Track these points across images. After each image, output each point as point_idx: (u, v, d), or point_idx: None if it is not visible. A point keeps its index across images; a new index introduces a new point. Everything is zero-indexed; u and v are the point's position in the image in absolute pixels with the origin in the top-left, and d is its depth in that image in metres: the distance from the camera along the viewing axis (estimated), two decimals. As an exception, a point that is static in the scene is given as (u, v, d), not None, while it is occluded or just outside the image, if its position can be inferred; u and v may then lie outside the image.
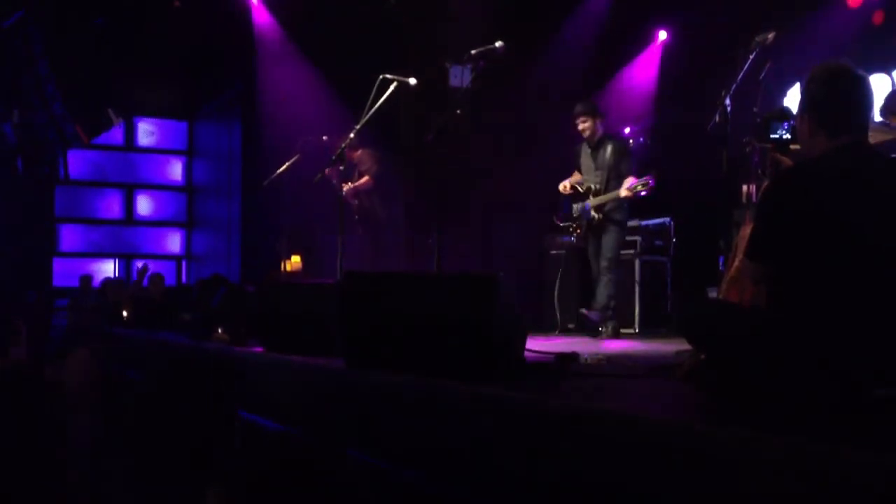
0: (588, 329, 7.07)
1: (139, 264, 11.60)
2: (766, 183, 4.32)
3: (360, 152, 8.41)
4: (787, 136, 3.76)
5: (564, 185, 7.31)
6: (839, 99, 2.88)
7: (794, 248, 2.77)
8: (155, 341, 6.47)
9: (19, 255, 11.94)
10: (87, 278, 11.87)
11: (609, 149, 7.02)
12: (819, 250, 2.71)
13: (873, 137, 5.11)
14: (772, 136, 3.80)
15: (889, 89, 7.35)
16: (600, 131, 7.09)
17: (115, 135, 13.42)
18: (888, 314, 2.62)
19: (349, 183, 8.24)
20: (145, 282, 11.00)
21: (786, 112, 3.86)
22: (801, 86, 3.03)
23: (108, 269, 13.34)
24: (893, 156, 4.83)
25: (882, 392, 2.62)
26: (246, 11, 10.74)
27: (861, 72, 2.91)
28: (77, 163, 12.56)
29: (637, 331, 7.64)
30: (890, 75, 7.38)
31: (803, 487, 1.77)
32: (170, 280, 13.07)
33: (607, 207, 6.95)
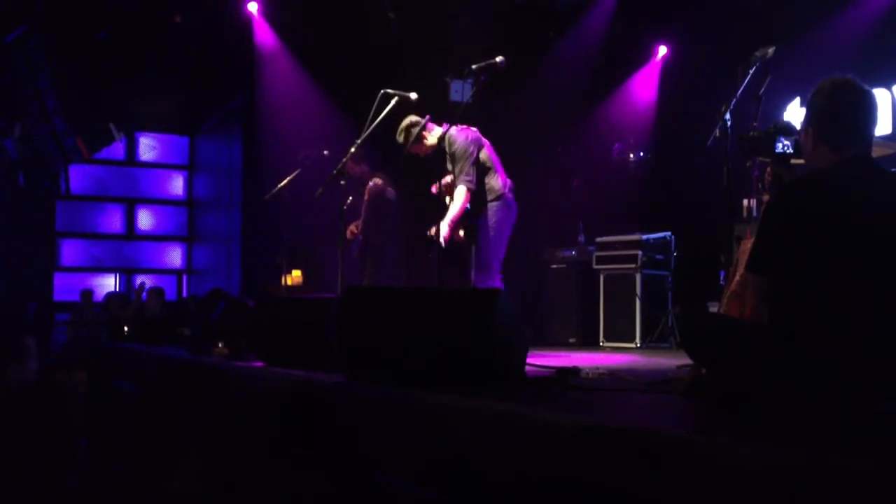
0: None
1: (138, 281, 11.61)
2: (766, 196, 4.33)
3: (381, 175, 8.40)
4: (790, 150, 3.77)
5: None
6: (843, 112, 2.88)
7: (796, 261, 2.76)
8: (155, 355, 6.46)
9: (20, 269, 11.95)
10: (87, 293, 11.87)
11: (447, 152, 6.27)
12: (822, 263, 2.70)
13: (875, 152, 5.13)
14: (775, 150, 3.80)
15: (889, 104, 7.37)
16: (435, 132, 6.33)
17: (117, 149, 13.44)
18: (890, 327, 2.62)
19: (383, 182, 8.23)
20: (144, 296, 11.00)
21: (788, 127, 3.87)
22: (802, 100, 3.05)
23: (108, 283, 13.33)
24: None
25: (883, 404, 2.62)
26: (247, 26, 10.76)
27: (866, 86, 2.91)
28: (78, 177, 12.58)
29: (638, 345, 7.63)
30: (890, 90, 7.39)
31: (805, 500, 1.76)
32: (171, 295, 13.06)
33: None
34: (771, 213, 2.95)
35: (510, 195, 6.34)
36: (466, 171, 6.14)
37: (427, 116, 6.39)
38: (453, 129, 6.29)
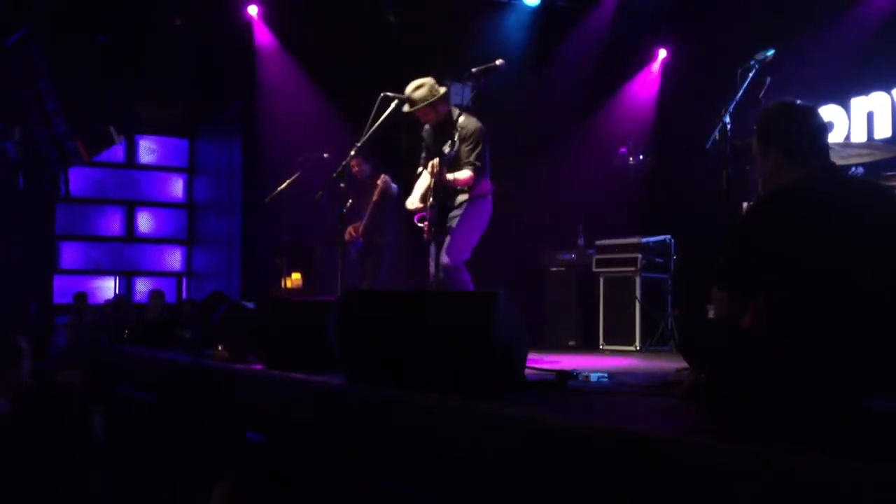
0: None
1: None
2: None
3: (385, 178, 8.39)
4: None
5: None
6: (802, 130, 3.06)
7: (784, 271, 2.80)
8: (155, 358, 6.46)
9: (20, 271, 11.93)
10: (81, 296, 11.86)
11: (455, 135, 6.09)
12: (809, 270, 2.75)
13: (875, 155, 5.19)
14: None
15: (889, 107, 7.37)
16: (443, 110, 6.25)
17: (116, 152, 13.42)
18: (874, 327, 2.65)
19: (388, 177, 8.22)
20: (146, 299, 11.01)
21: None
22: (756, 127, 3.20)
23: (108, 286, 13.31)
24: (853, 172, 5.08)
25: (872, 403, 2.65)
26: (247, 29, 10.77)
27: (808, 104, 3.13)
28: (78, 180, 12.55)
29: (638, 348, 7.63)
30: (890, 93, 7.39)
31: (804, 500, 1.77)
32: (170, 297, 13.05)
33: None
34: (747, 230, 3.03)
35: (491, 199, 6.33)
36: (478, 155, 6.10)
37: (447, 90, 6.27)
38: (464, 114, 6.20)
